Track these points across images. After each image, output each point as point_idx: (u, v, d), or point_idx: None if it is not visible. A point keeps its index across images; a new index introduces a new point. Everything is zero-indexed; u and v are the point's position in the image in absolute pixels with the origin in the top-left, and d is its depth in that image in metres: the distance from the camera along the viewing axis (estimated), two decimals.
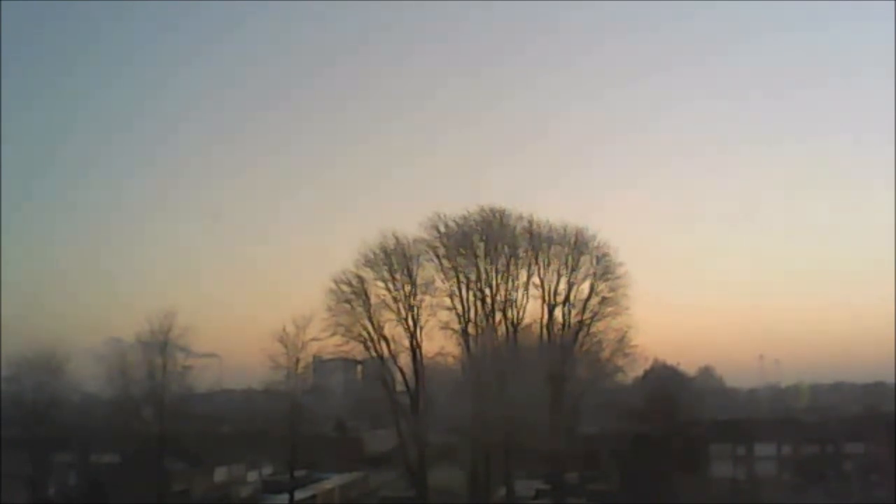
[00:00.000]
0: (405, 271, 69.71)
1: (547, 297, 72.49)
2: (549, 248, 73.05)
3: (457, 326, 70.54)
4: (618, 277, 73.77)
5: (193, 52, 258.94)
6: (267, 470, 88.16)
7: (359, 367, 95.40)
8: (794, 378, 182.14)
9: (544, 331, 72.75)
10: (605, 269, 73.61)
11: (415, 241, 71.05)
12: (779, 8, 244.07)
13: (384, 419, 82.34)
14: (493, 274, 71.02)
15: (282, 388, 70.23)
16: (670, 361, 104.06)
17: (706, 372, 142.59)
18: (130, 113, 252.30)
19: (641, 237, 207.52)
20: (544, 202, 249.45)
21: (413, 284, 69.71)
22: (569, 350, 72.19)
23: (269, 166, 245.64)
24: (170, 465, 72.78)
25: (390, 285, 69.56)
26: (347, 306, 68.93)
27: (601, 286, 73.43)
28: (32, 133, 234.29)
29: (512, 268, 71.60)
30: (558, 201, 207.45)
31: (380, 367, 70.41)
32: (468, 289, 70.86)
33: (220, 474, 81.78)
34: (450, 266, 70.95)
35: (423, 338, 69.75)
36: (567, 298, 72.76)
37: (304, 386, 72.16)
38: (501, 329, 71.75)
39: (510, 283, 71.59)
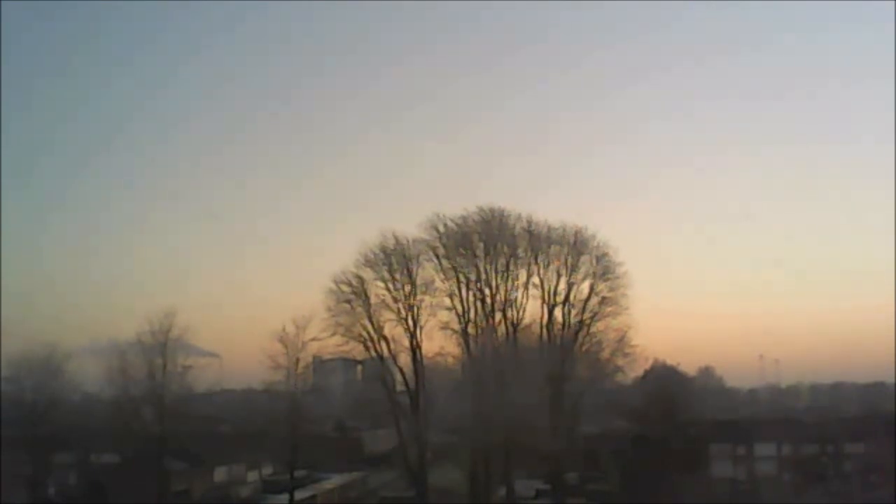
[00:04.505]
0: (405, 271, 69.70)
1: (547, 297, 72.51)
2: (549, 248, 73.02)
3: (457, 326, 70.58)
4: (618, 277, 73.81)
5: (193, 52, 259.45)
6: (267, 470, 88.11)
7: (359, 367, 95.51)
8: (794, 378, 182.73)
9: (544, 331, 72.70)
10: (604, 269, 73.57)
11: (415, 241, 71.14)
12: (779, 10, 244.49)
13: (384, 419, 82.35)
14: (493, 274, 71.02)
15: (282, 388, 70.23)
16: (670, 361, 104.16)
17: (706, 372, 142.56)
18: (130, 113, 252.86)
19: (641, 237, 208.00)
20: (544, 202, 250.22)
21: (413, 284, 69.75)
22: (569, 350, 72.13)
23: (268, 167, 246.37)
24: (170, 465, 72.77)
25: (390, 285, 69.65)
26: (347, 306, 69.00)
27: (601, 286, 73.42)
28: (32, 133, 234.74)
29: (512, 268, 71.59)
30: (558, 201, 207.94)
31: (380, 367, 70.41)
32: (468, 289, 70.88)
33: (220, 474, 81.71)
34: (450, 266, 70.95)
35: (423, 338, 69.93)
36: (567, 298, 72.72)
37: (304, 386, 72.12)
38: (501, 329, 71.74)
39: (510, 283, 71.63)
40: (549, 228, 73.62)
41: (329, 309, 68.52)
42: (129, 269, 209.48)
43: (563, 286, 72.68)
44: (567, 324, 73.01)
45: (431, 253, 71.11)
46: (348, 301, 68.93)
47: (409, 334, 69.35)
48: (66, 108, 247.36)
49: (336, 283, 68.95)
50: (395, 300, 69.36)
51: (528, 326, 73.06)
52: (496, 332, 71.17)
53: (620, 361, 74.47)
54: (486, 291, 70.90)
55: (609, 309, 73.29)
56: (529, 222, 73.18)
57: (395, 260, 69.97)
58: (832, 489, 74.93)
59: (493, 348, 69.78)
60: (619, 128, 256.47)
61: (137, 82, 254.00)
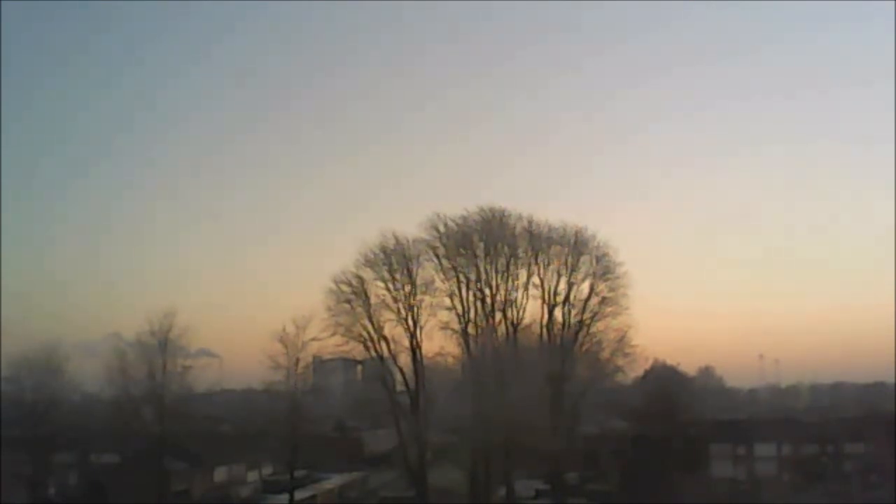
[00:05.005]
0: (405, 271, 69.69)
1: (547, 297, 72.51)
2: (549, 248, 73.04)
3: (457, 326, 70.54)
4: (618, 277, 73.82)
5: (195, 52, 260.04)
6: (267, 470, 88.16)
7: (359, 367, 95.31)
8: (794, 378, 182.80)
9: (544, 331, 72.69)
10: (605, 269, 73.59)
11: (415, 241, 71.12)
12: (779, 10, 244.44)
13: (384, 419, 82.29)
14: (493, 274, 71.01)
15: (282, 388, 70.22)
16: (670, 361, 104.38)
17: (706, 372, 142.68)
18: (130, 113, 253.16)
19: (641, 237, 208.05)
20: (544, 202, 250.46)
21: (413, 284, 69.73)
22: (569, 350, 72.14)
23: (269, 167, 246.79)
24: (170, 465, 72.78)
25: (390, 285, 69.63)
26: (347, 306, 69.00)
27: (601, 286, 73.42)
28: (32, 133, 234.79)
29: (512, 268, 71.57)
30: (558, 201, 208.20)
31: (380, 367, 70.39)
32: (468, 289, 70.85)
33: (220, 474, 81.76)
34: (450, 266, 70.94)
35: (423, 338, 69.89)
36: (567, 298, 72.72)
37: (304, 386, 72.10)
38: (501, 329, 71.72)
39: (510, 283, 71.60)
40: (550, 228, 73.75)
41: (329, 309, 68.63)
42: (129, 269, 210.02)
43: (563, 286, 72.77)
44: (567, 324, 73.01)
45: (431, 253, 71.15)
46: (348, 301, 68.96)
47: (409, 334, 69.39)
48: (66, 108, 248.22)
49: (336, 283, 69.05)
50: (395, 300, 69.41)
51: (528, 326, 73.08)
52: (496, 332, 71.15)
53: (620, 361, 74.55)
54: (486, 291, 70.89)
55: (609, 309, 73.37)
56: (530, 222, 73.29)
57: (395, 260, 69.97)
58: (832, 489, 74.88)
59: (493, 348, 69.77)
60: (619, 128, 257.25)
61: (138, 82, 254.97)
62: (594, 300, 73.08)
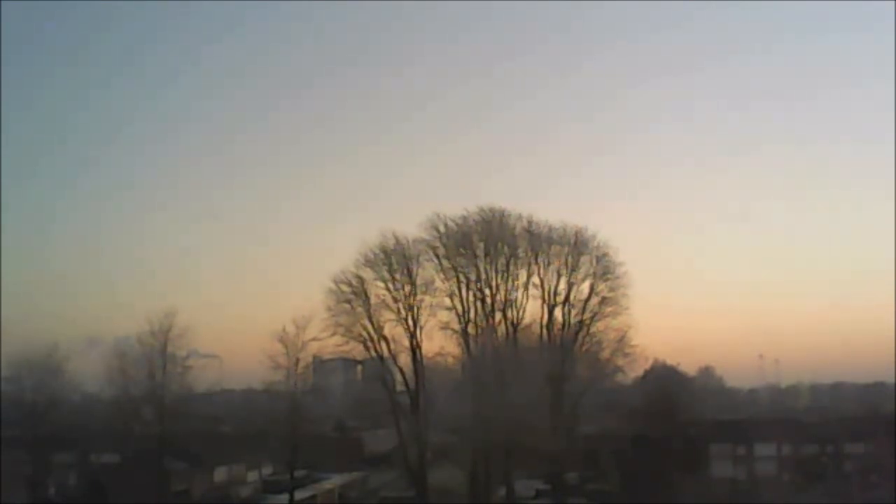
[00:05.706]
0: (405, 271, 69.75)
1: (547, 297, 72.57)
2: (549, 248, 73.10)
3: (457, 326, 70.61)
4: (618, 277, 73.89)
5: (194, 52, 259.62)
6: (267, 470, 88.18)
7: (359, 367, 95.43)
8: (794, 378, 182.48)
9: (544, 331, 72.75)
10: (605, 269, 73.65)
11: (415, 241, 71.21)
12: (779, 10, 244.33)
13: (384, 419, 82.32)
14: (493, 274, 71.05)
15: (282, 388, 70.26)
16: (670, 361, 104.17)
17: (706, 372, 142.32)
18: (130, 113, 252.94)
19: (641, 238, 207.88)
20: (544, 202, 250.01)
21: (413, 284, 69.79)
22: (569, 350, 72.18)
23: (269, 166, 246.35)
24: (170, 465, 72.84)
25: (390, 285, 69.69)
26: (347, 306, 69.06)
27: (601, 286, 73.49)
28: (32, 133, 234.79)
29: (512, 268, 71.62)
30: (558, 201, 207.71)
31: (380, 367, 70.45)
32: (468, 289, 70.91)
33: (220, 474, 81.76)
34: (450, 266, 70.98)
35: (423, 338, 69.97)
36: (567, 298, 72.78)
37: (304, 386, 72.14)
38: (501, 329, 71.77)
39: (510, 283, 71.66)
40: (550, 228, 73.83)
41: (329, 309, 68.70)
42: (129, 268, 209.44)
43: (563, 286, 72.85)
44: (567, 324, 73.06)
45: (431, 253, 71.21)
46: (348, 301, 69.01)
47: (409, 334, 69.45)
48: (66, 108, 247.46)
49: (336, 283, 69.11)
50: (395, 300, 69.47)
51: (528, 326, 73.12)
52: (496, 332, 71.19)
53: (620, 361, 74.67)
54: (486, 291, 70.95)
55: (609, 309, 73.44)
56: (530, 222, 73.36)
57: (395, 260, 70.02)
58: (832, 489, 74.84)
59: (493, 348, 69.80)
60: (619, 128, 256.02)
61: (138, 82, 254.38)
62: (594, 300, 73.21)
